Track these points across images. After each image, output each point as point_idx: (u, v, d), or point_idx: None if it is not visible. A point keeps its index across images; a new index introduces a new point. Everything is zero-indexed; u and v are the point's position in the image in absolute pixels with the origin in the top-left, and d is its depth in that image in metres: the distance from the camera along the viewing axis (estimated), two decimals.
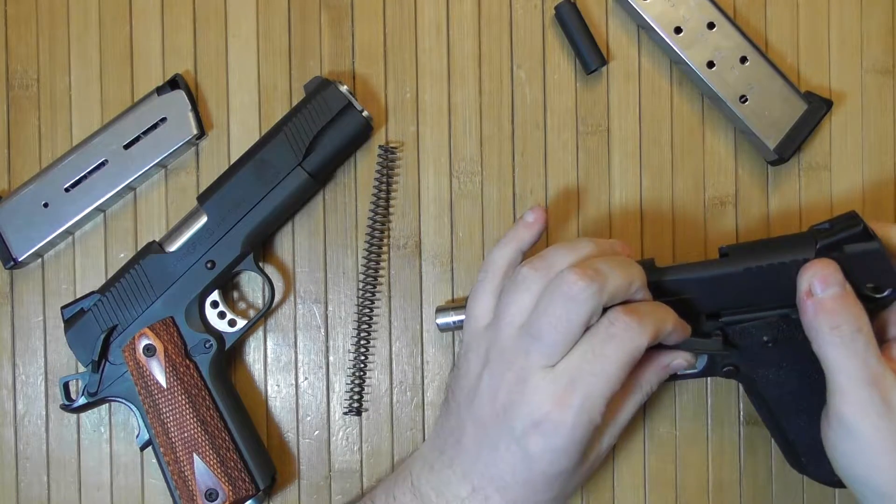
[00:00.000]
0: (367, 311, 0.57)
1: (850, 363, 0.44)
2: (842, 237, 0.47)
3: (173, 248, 0.54)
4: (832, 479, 0.49)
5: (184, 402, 0.53)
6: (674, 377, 0.52)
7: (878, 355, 0.45)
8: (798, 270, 0.46)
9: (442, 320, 0.54)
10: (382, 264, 0.57)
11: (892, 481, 0.44)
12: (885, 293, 0.47)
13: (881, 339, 0.47)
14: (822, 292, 0.45)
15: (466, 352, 0.47)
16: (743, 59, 0.55)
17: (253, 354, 0.57)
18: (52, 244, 0.56)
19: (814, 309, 0.45)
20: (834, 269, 0.45)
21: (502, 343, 0.45)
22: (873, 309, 0.46)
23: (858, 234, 0.46)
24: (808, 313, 0.45)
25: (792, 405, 0.50)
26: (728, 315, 0.49)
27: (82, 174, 0.55)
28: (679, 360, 0.48)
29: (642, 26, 0.57)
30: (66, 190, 0.55)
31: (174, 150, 0.55)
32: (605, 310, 0.44)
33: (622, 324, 0.44)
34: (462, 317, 0.53)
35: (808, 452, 0.50)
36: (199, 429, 0.53)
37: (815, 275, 0.45)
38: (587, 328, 0.44)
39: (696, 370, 0.51)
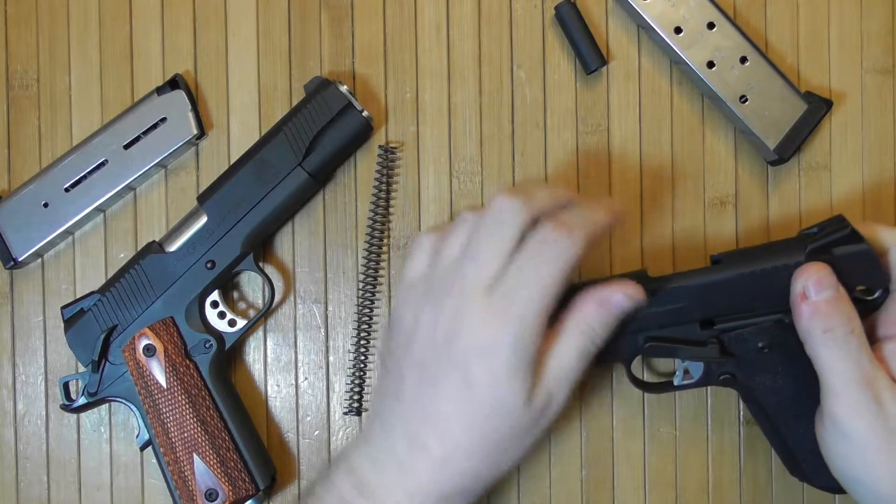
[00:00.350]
0: (367, 311, 0.57)
1: (843, 365, 0.44)
2: (830, 240, 0.47)
3: (173, 248, 0.54)
4: (833, 486, 0.49)
5: (184, 402, 0.53)
6: (672, 387, 0.52)
7: (871, 356, 0.45)
8: (790, 275, 0.47)
9: None
10: (382, 264, 0.57)
11: (886, 481, 0.44)
12: (876, 294, 0.47)
13: (871, 339, 0.47)
14: (816, 295, 0.46)
15: (399, 306, 0.46)
16: (743, 59, 0.55)
17: (253, 354, 0.57)
18: (52, 244, 0.56)
19: (808, 312, 0.46)
20: (827, 272, 0.46)
21: (440, 276, 0.45)
22: (863, 311, 0.47)
23: (847, 236, 0.47)
24: (803, 316, 0.46)
25: (790, 411, 0.50)
26: (722, 322, 0.49)
27: (82, 174, 0.55)
28: (618, 295, 0.45)
29: (642, 26, 0.57)
30: (66, 190, 0.55)
31: (174, 150, 0.55)
32: None
33: (550, 234, 0.43)
34: None
35: (808, 459, 0.50)
36: (199, 429, 0.53)
37: (809, 278, 0.46)
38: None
39: (693, 380, 0.51)
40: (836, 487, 0.50)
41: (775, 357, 0.49)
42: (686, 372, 0.52)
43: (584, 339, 0.45)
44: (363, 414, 0.57)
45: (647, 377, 0.57)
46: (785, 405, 0.50)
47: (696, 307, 0.49)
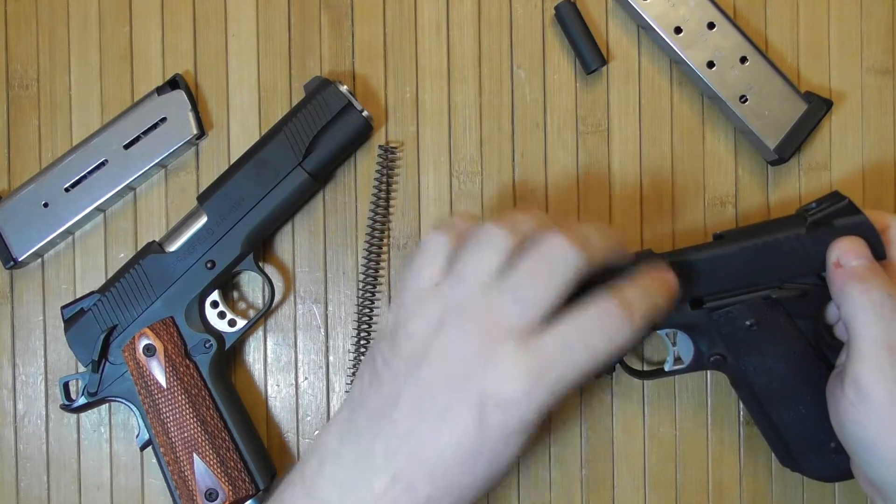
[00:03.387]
0: (367, 311, 0.57)
1: (876, 328, 0.45)
2: (829, 212, 0.49)
3: (173, 248, 0.54)
4: (825, 474, 0.50)
5: (184, 402, 0.53)
6: (664, 373, 0.53)
7: None
8: (791, 246, 0.48)
9: None
10: (382, 264, 0.57)
11: None
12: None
13: None
14: (855, 261, 0.47)
15: (407, 317, 0.41)
16: (743, 59, 0.55)
17: (253, 354, 0.57)
18: (52, 244, 0.56)
19: (845, 276, 0.47)
20: (861, 243, 0.47)
21: (465, 302, 0.40)
22: None
23: (844, 208, 0.49)
24: (839, 280, 0.47)
25: (780, 394, 0.50)
26: (712, 301, 0.50)
27: (82, 174, 0.55)
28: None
29: (642, 26, 0.57)
30: (66, 190, 0.55)
31: (174, 150, 0.55)
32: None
33: (614, 313, 0.40)
34: None
35: (800, 446, 0.51)
36: (199, 429, 0.53)
37: (845, 248, 0.47)
38: (566, 299, 0.40)
39: (683, 366, 0.52)
40: (826, 475, 0.51)
41: (764, 335, 0.50)
42: (677, 359, 0.53)
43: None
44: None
45: (639, 366, 0.57)
46: (776, 387, 0.50)
47: (700, 282, 0.49)
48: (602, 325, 0.40)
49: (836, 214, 0.49)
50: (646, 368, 0.56)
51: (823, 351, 0.50)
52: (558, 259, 0.40)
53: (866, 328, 0.45)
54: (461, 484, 0.39)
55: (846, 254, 0.47)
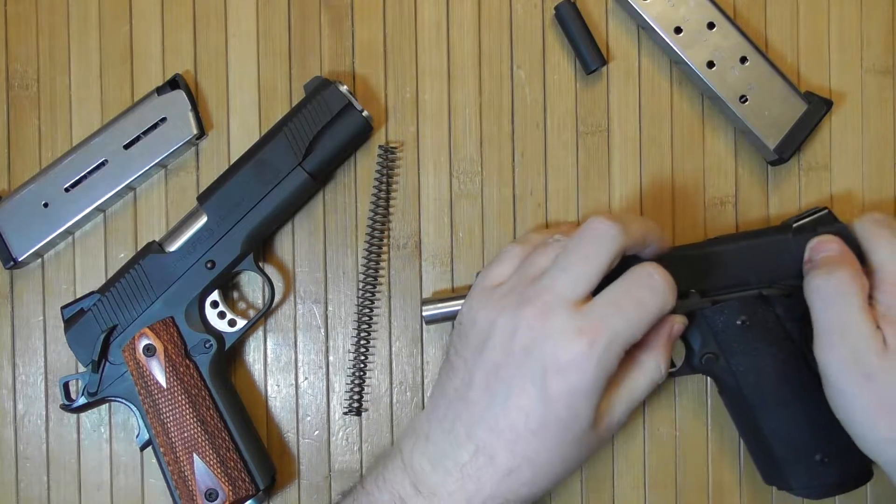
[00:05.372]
0: (367, 311, 0.57)
1: (834, 310, 0.46)
2: (812, 220, 0.51)
3: (173, 248, 0.54)
4: (812, 489, 0.51)
5: (184, 402, 0.53)
6: None
7: (866, 308, 0.46)
8: (778, 250, 0.51)
9: (428, 312, 0.53)
10: (382, 264, 0.57)
11: (868, 427, 0.45)
12: None
13: None
14: (820, 255, 0.49)
15: (473, 308, 0.46)
16: (743, 59, 0.55)
17: (253, 354, 0.57)
18: (52, 244, 0.56)
19: (810, 267, 0.49)
20: (832, 239, 0.49)
21: (523, 284, 0.45)
22: None
23: (825, 216, 0.51)
24: (810, 270, 0.48)
25: (767, 398, 0.51)
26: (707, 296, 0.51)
27: (82, 174, 0.55)
28: (677, 324, 0.48)
29: (642, 26, 0.57)
30: (66, 190, 0.55)
31: (174, 150, 0.55)
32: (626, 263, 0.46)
33: (660, 279, 0.44)
34: (449, 308, 0.53)
35: (786, 457, 0.51)
36: (199, 429, 0.53)
37: (815, 245, 0.49)
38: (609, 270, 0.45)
39: (675, 368, 0.53)
40: (813, 490, 0.51)
41: (755, 333, 0.51)
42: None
43: (657, 374, 0.46)
44: (363, 414, 0.57)
45: None
46: (762, 389, 0.51)
47: (692, 278, 0.50)
48: (644, 281, 0.44)
49: (819, 222, 0.51)
50: None
51: (806, 356, 0.50)
52: (600, 234, 0.44)
53: (822, 312, 0.47)
54: (537, 452, 0.43)
55: (815, 249, 0.49)
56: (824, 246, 0.49)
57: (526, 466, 0.43)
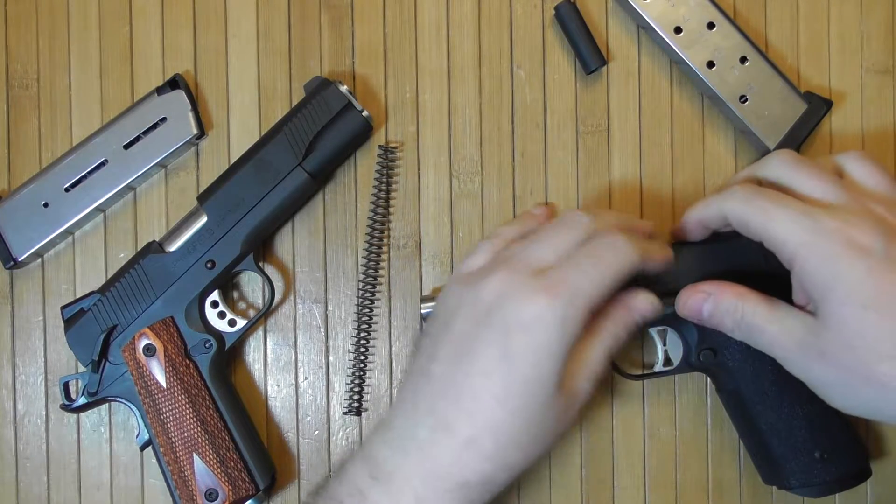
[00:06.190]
0: (367, 311, 0.57)
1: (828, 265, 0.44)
2: None
3: (173, 248, 0.54)
4: (811, 486, 0.51)
5: (184, 402, 0.53)
6: (654, 374, 0.53)
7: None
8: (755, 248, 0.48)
9: (427, 309, 0.53)
10: (382, 264, 0.57)
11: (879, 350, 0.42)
12: None
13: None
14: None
15: (445, 294, 0.46)
16: (743, 59, 0.55)
17: (253, 354, 0.57)
18: (52, 244, 0.56)
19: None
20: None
21: (492, 263, 0.45)
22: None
23: None
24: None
25: (764, 393, 0.51)
26: None
27: (82, 174, 0.55)
28: (642, 301, 0.46)
29: (642, 26, 0.57)
30: (66, 190, 0.55)
31: (174, 150, 0.55)
32: None
33: (616, 239, 0.44)
34: None
35: (784, 454, 0.51)
36: (199, 429, 0.53)
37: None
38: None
39: (672, 366, 0.53)
40: (812, 488, 0.51)
41: None
42: (667, 359, 0.54)
43: (612, 342, 0.45)
44: (363, 414, 0.57)
45: (630, 369, 0.56)
46: (760, 384, 0.51)
47: (683, 272, 0.50)
48: (607, 242, 0.44)
49: None
50: (635, 372, 0.56)
51: None
52: (574, 222, 0.45)
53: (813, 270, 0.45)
54: (500, 421, 0.41)
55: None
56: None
57: (487, 436, 0.41)
